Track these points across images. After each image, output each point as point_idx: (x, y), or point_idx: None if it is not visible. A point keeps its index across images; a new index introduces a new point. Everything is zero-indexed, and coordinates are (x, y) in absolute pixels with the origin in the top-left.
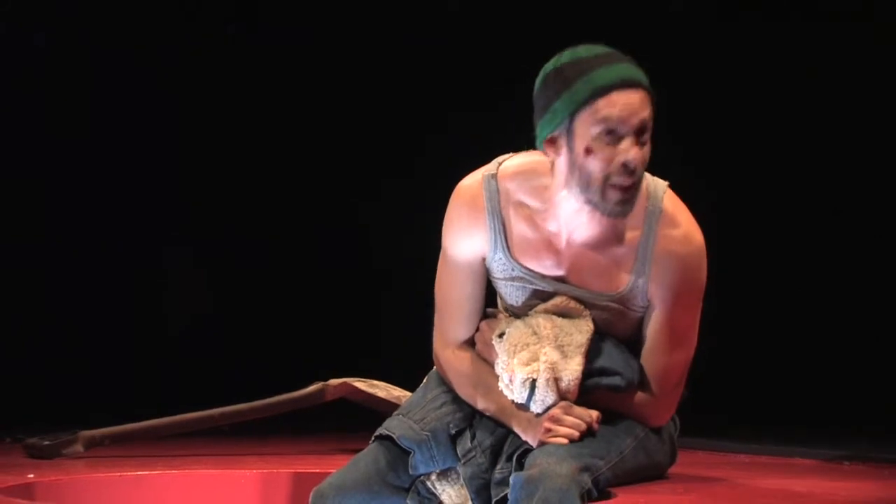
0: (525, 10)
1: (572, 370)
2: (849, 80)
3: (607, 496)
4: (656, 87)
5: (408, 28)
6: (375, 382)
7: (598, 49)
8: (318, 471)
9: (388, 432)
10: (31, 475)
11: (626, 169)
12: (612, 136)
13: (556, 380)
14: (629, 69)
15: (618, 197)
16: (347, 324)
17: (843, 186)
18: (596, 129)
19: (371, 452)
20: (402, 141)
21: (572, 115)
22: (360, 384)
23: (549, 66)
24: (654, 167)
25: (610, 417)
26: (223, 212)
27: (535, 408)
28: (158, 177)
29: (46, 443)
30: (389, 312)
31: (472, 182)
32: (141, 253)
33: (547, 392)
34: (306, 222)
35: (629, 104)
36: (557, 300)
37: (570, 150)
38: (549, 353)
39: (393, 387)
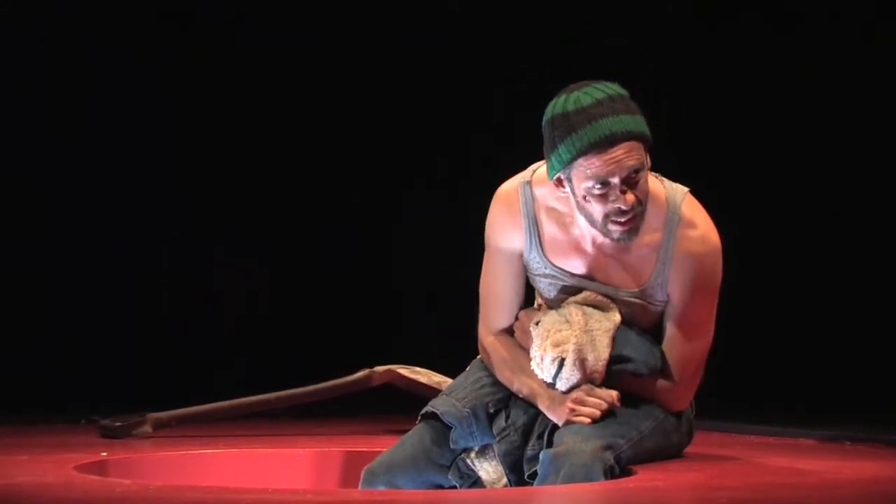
0: (525, 11)
1: (599, 353)
2: (850, 79)
3: (628, 473)
4: (658, 89)
5: (409, 27)
6: (418, 369)
7: (599, 93)
8: (366, 449)
9: (432, 409)
10: (104, 453)
11: (622, 211)
12: (605, 185)
13: (583, 361)
14: (616, 123)
15: (620, 230)
16: (393, 319)
17: (843, 187)
18: (587, 183)
19: (417, 432)
20: (421, 136)
21: (568, 167)
22: (404, 371)
23: (557, 107)
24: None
25: (631, 400)
26: (223, 211)
27: (561, 385)
28: (158, 177)
29: (118, 424)
30: (430, 309)
31: (509, 188)
32: (191, 250)
33: (573, 371)
34: (341, 219)
35: (613, 160)
36: (586, 294)
37: (573, 192)
38: (578, 337)
39: (434, 373)
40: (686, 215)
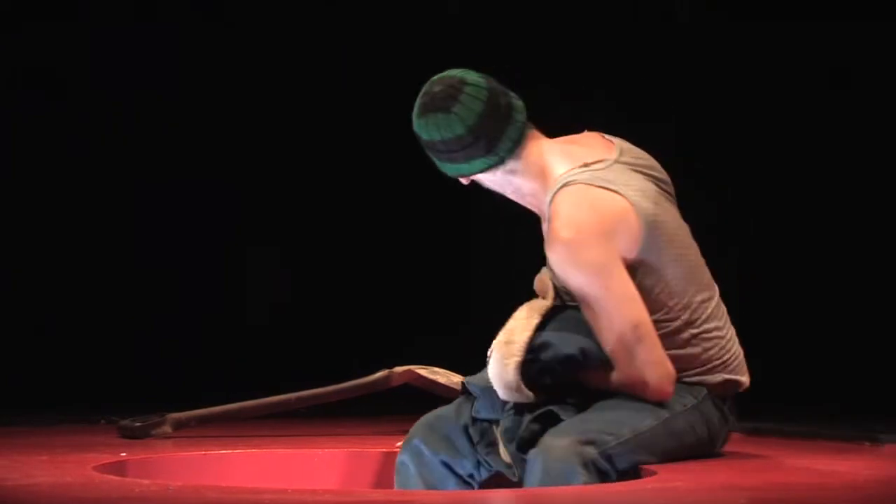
0: (524, 12)
1: (518, 335)
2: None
3: (644, 474)
4: (665, 94)
5: (409, 27)
6: (436, 370)
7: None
8: (385, 450)
9: (465, 381)
10: (124, 454)
11: None
12: None
13: (507, 343)
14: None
15: None
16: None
17: (846, 188)
18: None
19: (455, 403)
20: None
21: None
22: (423, 371)
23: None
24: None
25: (629, 399)
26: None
27: (488, 371)
28: (169, 175)
29: (137, 424)
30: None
31: None
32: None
33: (496, 355)
34: (357, 218)
35: None
36: (543, 271)
37: None
38: (508, 324)
39: (453, 373)
40: (553, 207)
